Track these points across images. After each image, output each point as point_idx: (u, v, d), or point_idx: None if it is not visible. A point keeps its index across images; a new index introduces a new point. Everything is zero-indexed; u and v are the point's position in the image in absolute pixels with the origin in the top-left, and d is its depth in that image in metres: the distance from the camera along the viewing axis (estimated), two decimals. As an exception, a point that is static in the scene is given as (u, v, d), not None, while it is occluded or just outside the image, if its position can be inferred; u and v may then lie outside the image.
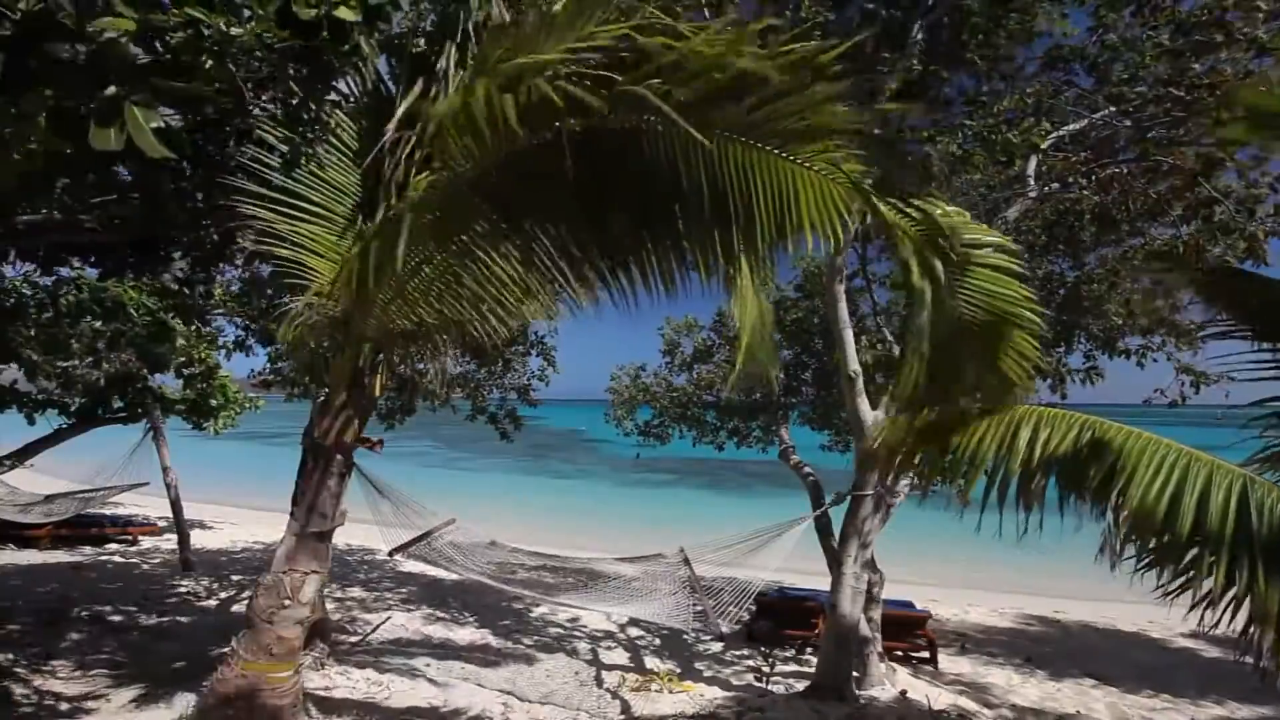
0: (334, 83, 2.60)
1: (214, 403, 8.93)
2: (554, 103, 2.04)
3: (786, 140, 2.23)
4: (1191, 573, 2.45)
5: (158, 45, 1.85)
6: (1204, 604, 2.47)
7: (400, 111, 3.06)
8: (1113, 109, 6.40)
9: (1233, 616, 2.44)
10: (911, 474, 6.87)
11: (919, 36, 5.92)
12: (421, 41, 3.21)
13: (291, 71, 2.20)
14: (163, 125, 1.82)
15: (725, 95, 2.12)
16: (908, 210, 2.37)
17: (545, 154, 2.41)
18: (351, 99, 3.35)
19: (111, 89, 1.74)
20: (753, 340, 2.71)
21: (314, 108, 2.48)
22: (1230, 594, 2.38)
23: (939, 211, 2.45)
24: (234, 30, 1.83)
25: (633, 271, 2.73)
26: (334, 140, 3.31)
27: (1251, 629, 2.40)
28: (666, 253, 2.64)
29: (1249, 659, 2.48)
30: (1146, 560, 2.54)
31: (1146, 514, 2.44)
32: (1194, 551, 2.42)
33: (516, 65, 2.10)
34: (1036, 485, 2.64)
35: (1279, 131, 3.04)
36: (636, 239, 2.64)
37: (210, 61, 1.87)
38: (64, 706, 5.09)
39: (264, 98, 2.47)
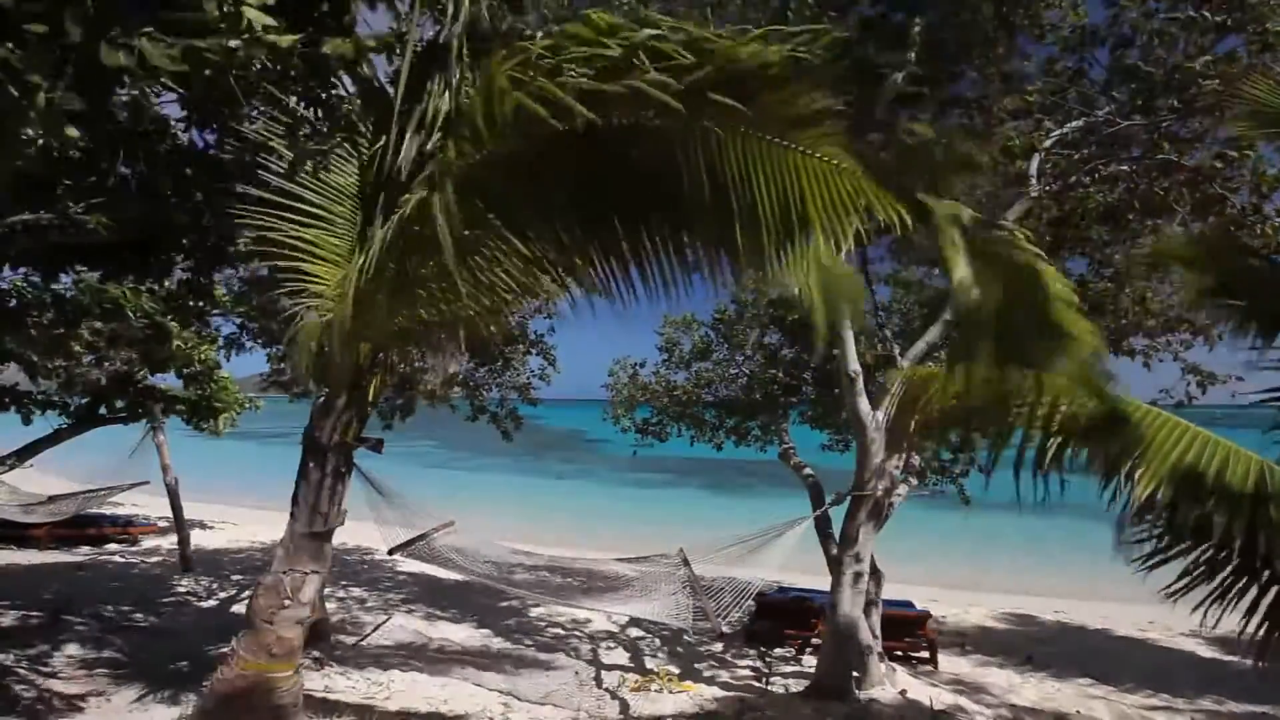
0: (333, 86, 2.59)
1: (216, 404, 8.93)
2: (553, 102, 2.03)
3: (787, 128, 2.14)
4: (1213, 546, 2.41)
5: None
6: (1211, 599, 2.45)
7: (414, 116, 3.04)
8: (1121, 102, 6.37)
9: (1248, 610, 2.42)
10: (908, 456, 6.86)
11: (916, 33, 5.91)
12: (421, 43, 3.20)
13: (294, 73, 2.19)
14: (176, 54, 1.79)
15: (723, 86, 2.05)
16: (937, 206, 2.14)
17: (544, 154, 2.38)
18: (352, 105, 3.35)
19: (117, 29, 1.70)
20: (827, 285, 2.45)
21: (316, 115, 2.48)
22: (1248, 577, 2.35)
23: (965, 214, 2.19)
24: (232, 43, 1.82)
25: (632, 271, 2.66)
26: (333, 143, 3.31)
27: (1257, 625, 2.39)
28: (667, 252, 2.57)
29: (1253, 659, 2.47)
30: (1160, 538, 2.50)
31: (1167, 480, 2.41)
32: (1220, 521, 2.37)
33: (521, 63, 2.08)
34: (1053, 449, 2.58)
35: None
36: (636, 238, 2.59)
37: (210, 73, 1.85)
38: (64, 706, 5.09)
39: (264, 95, 2.47)
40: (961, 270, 2.08)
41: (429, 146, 2.88)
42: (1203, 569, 2.45)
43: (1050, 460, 2.56)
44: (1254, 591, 2.40)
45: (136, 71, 1.73)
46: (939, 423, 2.81)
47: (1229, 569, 2.40)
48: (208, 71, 1.86)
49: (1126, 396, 2.69)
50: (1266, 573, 2.34)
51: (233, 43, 1.80)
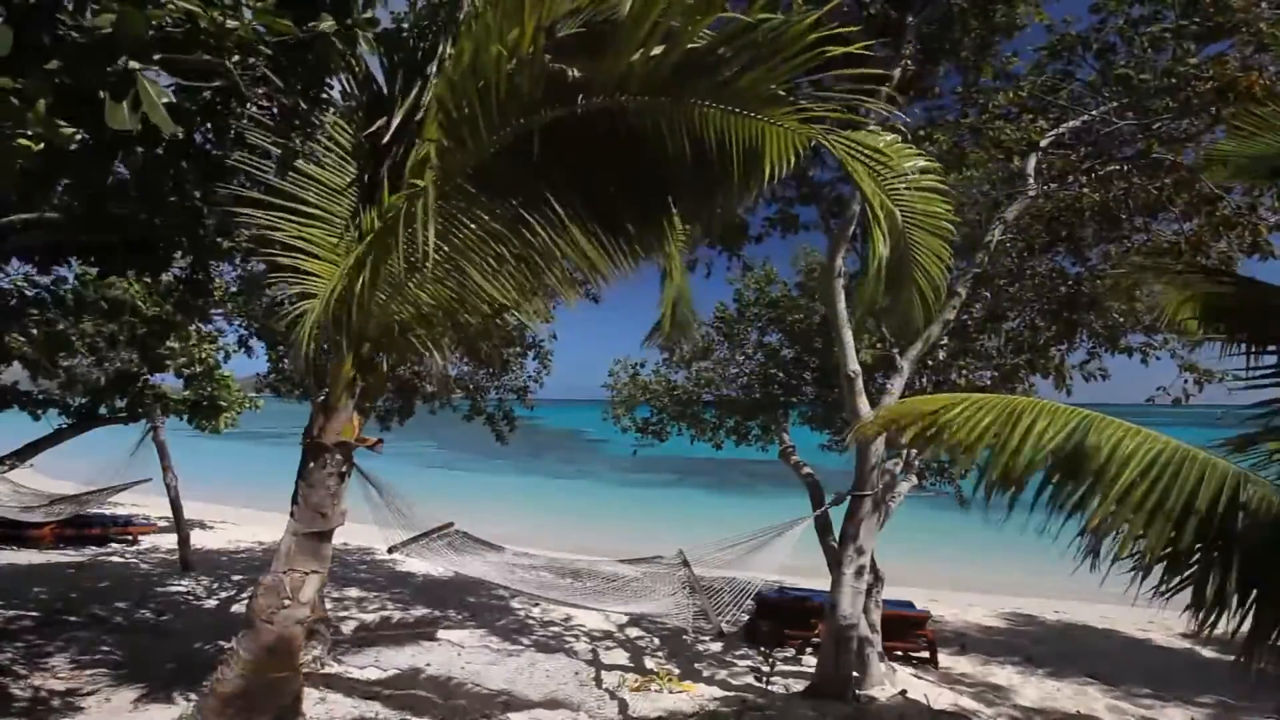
0: (328, 79, 2.59)
1: (221, 402, 8.92)
2: (546, 84, 2.15)
3: (761, 105, 2.57)
4: (1171, 577, 2.43)
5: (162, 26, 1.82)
6: (1195, 606, 2.46)
7: (407, 105, 3.08)
8: (1115, 104, 6.38)
9: (1230, 618, 2.43)
10: (908, 456, 6.89)
11: (911, 26, 5.94)
12: (416, 36, 3.22)
13: (285, 63, 2.20)
14: (172, 101, 1.81)
15: (703, 65, 2.42)
16: (858, 147, 2.77)
17: (541, 138, 2.53)
18: (346, 99, 3.35)
19: (123, 62, 1.71)
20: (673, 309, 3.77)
21: (306, 107, 2.49)
22: (1212, 598, 2.38)
23: (881, 142, 2.88)
24: (229, 24, 1.83)
25: (633, 238, 3.03)
26: (328, 141, 3.32)
27: (1239, 630, 2.39)
28: (656, 213, 2.95)
29: (1241, 662, 2.48)
30: (1133, 564, 2.52)
31: (1129, 518, 2.42)
32: (1172, 557, 2.40)
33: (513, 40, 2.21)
34: (1028, 470, 2.58)
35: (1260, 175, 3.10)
36: (630, 208, 2.91)
37: (207, 56, 1.86)
38: (63, 706, 5.09)
39: (259, 93, 2.47)
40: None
41: (422, 139, 2.90)
42: (1184, 578, 2.46)
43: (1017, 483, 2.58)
44: (1234, 599, 2.40)
45: (138, 129, 1.75)
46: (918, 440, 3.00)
47: (1206, 581, 2.41)
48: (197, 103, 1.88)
49: (1104, 416, 2.70)
50: (1241, 583, 2.34)
51: (230, 23, 1.81)
